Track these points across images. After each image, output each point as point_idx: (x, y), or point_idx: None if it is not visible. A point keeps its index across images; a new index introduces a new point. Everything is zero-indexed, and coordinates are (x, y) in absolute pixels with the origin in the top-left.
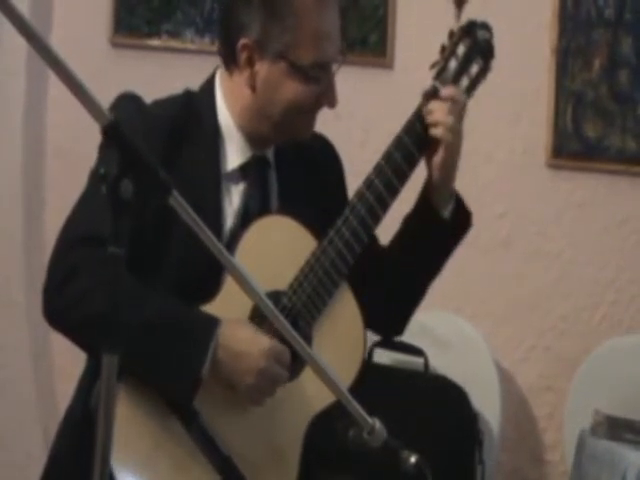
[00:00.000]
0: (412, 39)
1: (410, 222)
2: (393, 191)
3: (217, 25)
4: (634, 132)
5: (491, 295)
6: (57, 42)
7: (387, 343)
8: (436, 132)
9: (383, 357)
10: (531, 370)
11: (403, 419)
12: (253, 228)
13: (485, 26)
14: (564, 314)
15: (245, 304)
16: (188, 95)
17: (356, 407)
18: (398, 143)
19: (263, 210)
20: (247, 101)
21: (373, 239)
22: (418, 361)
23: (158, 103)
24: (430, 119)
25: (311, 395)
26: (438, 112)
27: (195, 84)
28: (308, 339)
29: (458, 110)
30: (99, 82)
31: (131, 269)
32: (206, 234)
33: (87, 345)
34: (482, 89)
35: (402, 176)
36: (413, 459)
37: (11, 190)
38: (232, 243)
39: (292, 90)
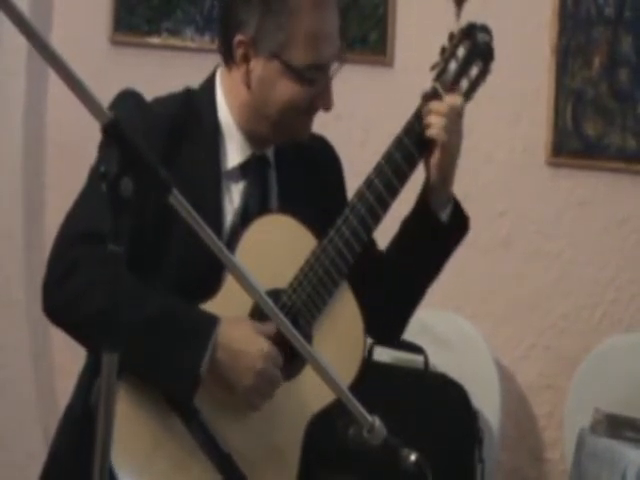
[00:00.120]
0: (412, 37)
1: (408, 225)
2: (393, 191)
3: (217, 22)
4: (634, 130)
5: (491, 294)
6: (57, 40)
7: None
8: (431, 132)
9: (383, 355)
10: (531, 368)
11: (403, 417)
12: (253, 227)
13: (485, 29)
14: (564, 313)
15: (245, 302)
16: (188, 93)
17: (356, 405)
18: (398, 144)
19: (263, 209)
20: (244, 98)
21: (371, 243)
22: (418, 359)
23: (158, 101)
24: (426, 120)
25: (311, 394)
26: (434, 113)
27: (195, 82)
28: (308, 338)
29: (455, 112)
30: (99, 81)
31: (131, 268)
32: (206, 232)
33: (86, 342)
34: (482, 88)
35: (402, 176)
36: (413, 457)
37: (11, 190)
38: (232, 241)
39: (286, 90)
